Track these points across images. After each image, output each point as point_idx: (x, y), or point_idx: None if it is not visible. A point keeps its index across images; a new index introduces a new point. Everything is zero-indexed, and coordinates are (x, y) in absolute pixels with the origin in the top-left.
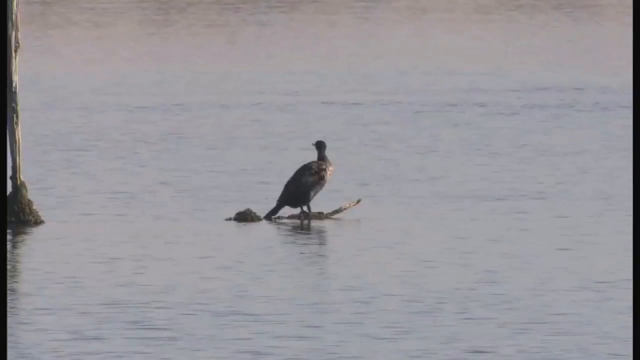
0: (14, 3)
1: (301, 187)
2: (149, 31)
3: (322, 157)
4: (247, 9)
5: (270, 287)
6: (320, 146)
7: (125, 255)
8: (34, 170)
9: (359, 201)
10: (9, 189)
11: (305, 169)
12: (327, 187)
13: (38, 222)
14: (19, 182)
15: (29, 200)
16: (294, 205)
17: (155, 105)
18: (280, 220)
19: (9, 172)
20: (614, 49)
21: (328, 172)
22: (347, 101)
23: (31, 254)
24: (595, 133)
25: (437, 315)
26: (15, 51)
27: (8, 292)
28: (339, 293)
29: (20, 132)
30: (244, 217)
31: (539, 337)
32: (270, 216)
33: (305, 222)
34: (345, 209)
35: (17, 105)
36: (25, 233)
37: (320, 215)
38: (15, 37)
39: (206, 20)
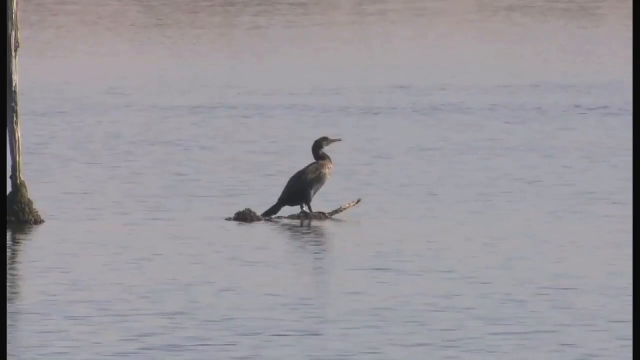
0: (14, 3)
1: (302, 185)
2: (148, 32)
3: (321, 157)
4: (248, 10)
5: (270, 287)
6: (315, 146)
7: (125, 256)
8: (34, 170)
9: (359, 201)
10: (9, 188)
11: (307, 168)
12: (328, 186)
13: (38, 222)
14: (19, 182)
15: (29, 200)
16: (294, 204)
17: (155, 106)
18: (280, 220)
19: (9, 172)
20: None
21: (327, 170)
22: (347, 102)
23: (31, 253)
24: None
25: (440, 316)
26: (15, 51)
27: (8, 292)
28: (339, 293)
29: (20, 132)
30: (244, 217)
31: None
32: (270, 214)
33: (306, 222)
34: (345, 209)
35: (17, 105)
36: (25, 233)
37: (320, 216)
38: (15, 37)
39: (206, 21)
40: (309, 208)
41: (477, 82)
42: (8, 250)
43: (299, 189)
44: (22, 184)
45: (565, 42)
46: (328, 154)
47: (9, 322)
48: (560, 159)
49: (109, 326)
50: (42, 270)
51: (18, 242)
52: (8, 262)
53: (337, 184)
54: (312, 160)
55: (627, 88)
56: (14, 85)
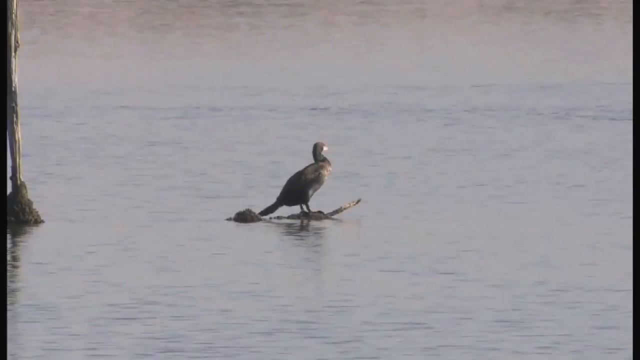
0: (14, 3)
1: (301, 185)
2: (147, 33)
3: (320, 159)
4: (248, 11)
5: (270, 288)
6: (315, 148)
7: (125, 257)
8: (35, 170)
9: (358, 201)
10: (9, 189)
11: (306, 169)
12: (327, 187)
13: (38, 222)
14: (19, 182)
15: (29, 200)
16: (291, 203)
17: (155, 107)
18: (280, 220)
19: (9, 172)
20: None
21: (326, 172)
22: (347, 102)
23: (31, 253)
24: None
25: (440, 316)
26: (15, 51)
27: (8, 292)
28: (340, 293)
29: (20, 132)
30: (244, 217)
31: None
32: (267, 213)
33: (305, 222)
34: (345, 209)
35: (17, 105)
36: (25, 233)
37: (320, 215)
38: (15, 36)
39: (206, 22)
40: (307, 207)
41: (478, 82)
42: (8, 250)
43: (298, 189)
44: (22, 184)
45: (565, 42)
46: (327, 156)
47: (8, 322)
48: (560, 160)
49: (108, 327)
50: (42, 270)
51: (18, 242)
52: (8, 262)
53: (338, 184)
54: (311, 161)
55: (627, 88)
56: (13, 85)
